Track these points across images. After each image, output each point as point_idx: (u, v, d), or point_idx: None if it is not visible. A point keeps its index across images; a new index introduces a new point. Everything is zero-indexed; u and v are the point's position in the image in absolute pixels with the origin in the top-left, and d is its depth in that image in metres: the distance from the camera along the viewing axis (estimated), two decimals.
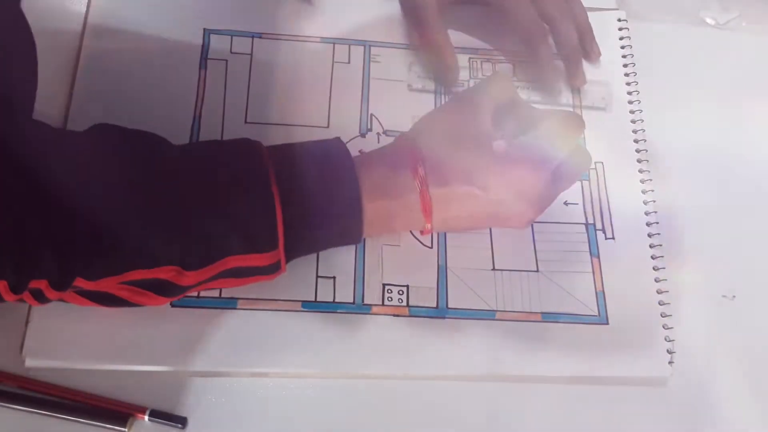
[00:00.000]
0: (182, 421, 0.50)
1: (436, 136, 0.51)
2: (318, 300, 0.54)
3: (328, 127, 0.60)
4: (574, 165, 0.53)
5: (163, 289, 0.47)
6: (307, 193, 0.48)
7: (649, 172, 0.60)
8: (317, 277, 0.55)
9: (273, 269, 0.49)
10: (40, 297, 0.44)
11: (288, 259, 0.49)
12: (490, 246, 0.57)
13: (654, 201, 0.59)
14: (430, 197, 0.50)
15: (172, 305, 0.53)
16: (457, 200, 0.50)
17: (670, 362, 0.54)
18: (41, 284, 0.43)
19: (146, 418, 0.50)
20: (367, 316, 0.54)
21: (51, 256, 0.42)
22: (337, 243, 0.52)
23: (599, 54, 0.64)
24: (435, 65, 0.63)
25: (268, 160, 0.48)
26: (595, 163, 0.61)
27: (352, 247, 0.56)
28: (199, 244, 0.46)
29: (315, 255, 0.55)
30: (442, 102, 0.62)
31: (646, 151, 0.61)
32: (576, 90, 0.64)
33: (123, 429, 0.49)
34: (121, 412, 0.50)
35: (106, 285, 0.45)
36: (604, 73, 0.65)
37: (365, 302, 0.54)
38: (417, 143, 0.50)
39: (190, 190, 0.46)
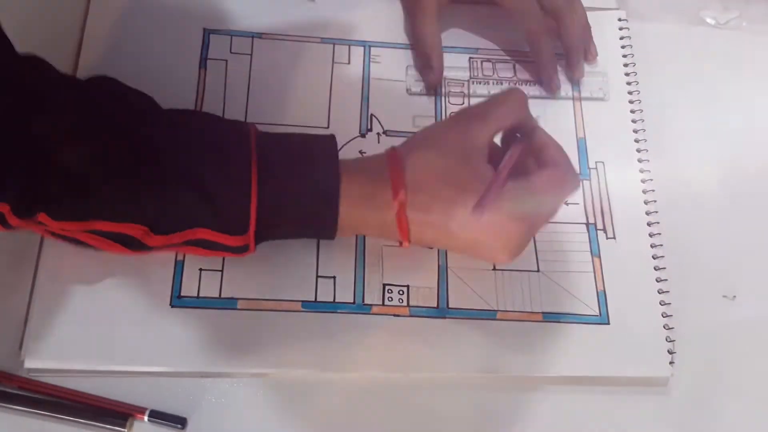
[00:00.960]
0: (182, 422, 0.50)
1: (426, 158, 0.49)
2: (318, 300, 0.54)
3: (328, 127, 0.60)
4: (560, 202, 0.51)
5: (129, 244, 0.47)
6: (285, 187, 0.48)
7: (649, 172, 0.60)
8: (317, 277, 0.55)
9: (241, 250, 0.49)
10: (3, 221, 0.44)
11: (257, 243, 0.49)
12: None
13: (655, 201, 0.59)
14: (407, 220, 0.48)
15: (172, 305, 0.53)
16: (434, 229, 0.49)
17: (671, 362, 0.54)
18: (4, 208, 0.43)
19: (146, 418, 0.50)
20: (368, 316, 0.54)
21: (14, 183, 0.43)
22: (309, 236, 0.53)
23: (596, 54, 0.64)
24: (420, 64, 0.62)
25: (255, 145, 0.48)
26: (596, 162, 0.61)
27: (353, 247, 0.56)
28: (171, 210, 0.46)
29: (315, 255, 0.55)
30: (443, 100, 0.62)
31: (647, 151, 0.61)
32: (576, 83, 0.64)
33: (122, 429, 0.49)
34: (121, 413, 0.50)
35: (71, 229, 0.46)
36: (605, 72, 0.64)
37: (365, 302, 0.54)
38: (405, 163, 0.49)
39: (171, 156, 0.47)
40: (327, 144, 0.50)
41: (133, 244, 0.47)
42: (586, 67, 0.64)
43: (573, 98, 0.63)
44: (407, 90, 0.63)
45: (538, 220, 0.50)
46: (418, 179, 0.48)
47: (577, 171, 0.56)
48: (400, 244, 0.50)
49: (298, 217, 0.49)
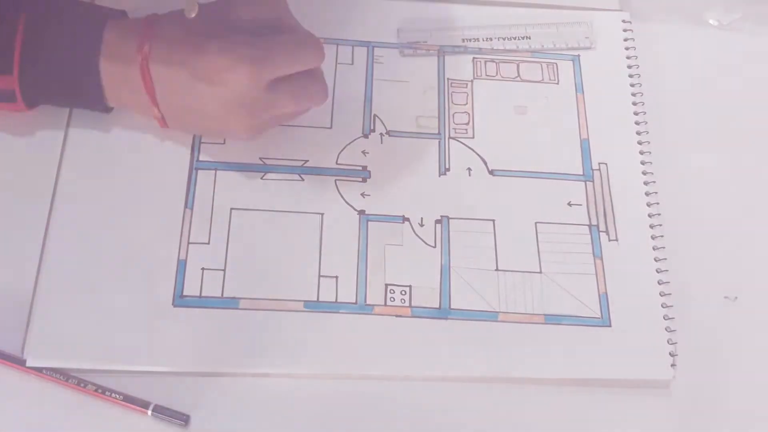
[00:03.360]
0: (185, 419, 0.50)
1: (182, 20, 0.50)
2: (320, 300, 0.54)
3: (331, 127, 0.60)
4: (301, 87, 0.53)
5: None
6: (50, 35, 0.50)
7: (652, 174, 0.60)
8: (320, 276, 0.55)
9: (8, 97, 0.51)
10: None
11: (24, 93, 0.51)
12: (493, 246, 0.57)
13: (657, 203, 0.59)
14: (150, 74, 0.50)
15: (175, 305, 0.53)
16: (180, 85, 0.50)
17: (673, 365, 0.54)
18: None
19: (149, 413, 0.50)
20: (370, 316, 0.54)
21: None
22: (80, 99, 0.55)
23: None
24: None
25: None
26: (599, 164, 0.61)
27: (355, 247, 0.56)
28: None
29: (318, 255, 0.55)
30: (446, 100, 0.62)
31: (650, 152, 0.61)
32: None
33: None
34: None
35: None
36: (609, 73, 0.65)
37: (368, 302, 0.54)
38: (161, 20, 0.52)
39: None
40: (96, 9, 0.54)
41: None
42: (570, 19, 0.66)
43: (561, 50, 0.65)
44: (401, 52, 0.63)
45: (284, 84, 0.51)
46: (167, 34, 0.51)
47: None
48: (159, 123, 0.54)
49: (62, 65, 0.51)
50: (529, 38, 0.65)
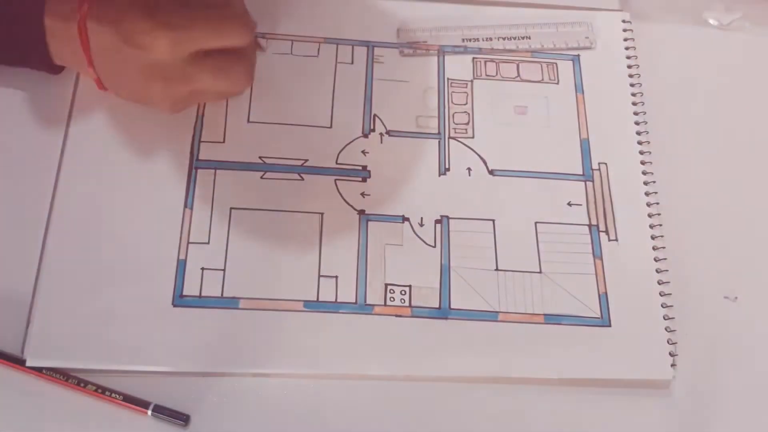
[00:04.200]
0: (185, 419, 0.50)
1: None
2: (320, 300, 0.54)
3: (331, 127, 0.60)
4: (224, 65, 0.53)
5: None
6: None
7: (652, 174, 0.60)
8: (319, 276, 0.55)
9: None
10: None
11: None
12: (493, 246, 0.57)
13: (657, 203, 0.59)
14: (86, 32, 0.50)
15: (174, 305, 0.53)
16: (110, 45, 0.50)
17: (673, 365, 0.54)
18: None
19: (149, 413, 0.50)
20: (370, 316, 0.54)
21: None
22: (27, 57, 0.54)
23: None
24: None
25: None
26: (599, 164, 0.61)
27: (355, 246, 0.56)
28: None
29: (318, 255, 0.55)
30: (446, 100, 0.62)
31: (650, 153, 0.61)
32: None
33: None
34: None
35: None
36: (609, 73, 0.65)
37: (367, 302, 0.54)
38: None
39: None
40: None
41: None
42: (570, 19, 0.66)
43: (561, 49, 0.65)
44: (401, 52, 0.63)
45: (209, 60, 0.51)
46: None
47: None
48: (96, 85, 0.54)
49: (7, 21, 0.51)
50: (529, 38, 0.65)
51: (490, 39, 0.65)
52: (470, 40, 0.65)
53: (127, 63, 0.51)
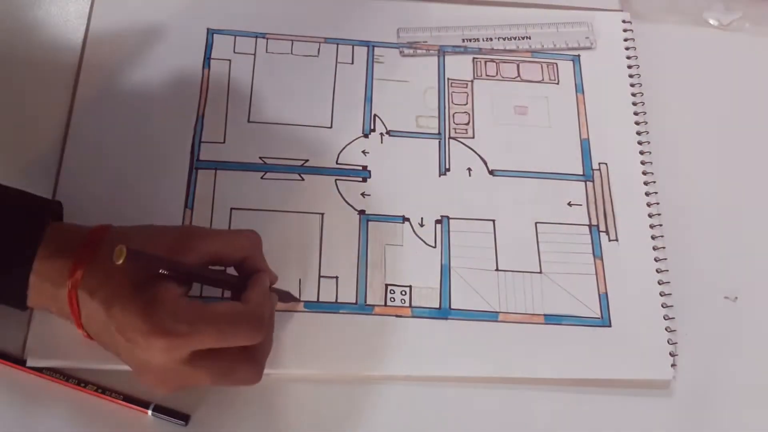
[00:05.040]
0: (185, 418, 0.50)
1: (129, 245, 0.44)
2: (320, 300, 0.54)
3: (331, 127, 0.60)
4: (227, 367, 0.46)
5: None
6: None
7: (652, 174, 0.60)
8: (320, 277, 0.55)
9: None
10: None
11: None
12: (494, 246, 0.57)
13: (658, 203, 0.59)
14: (77, 300, 0.45)
15: None
16: (101, 323, 0.45)
17: (673, 365, 0.54)
18: None
19: (149, 413, 0.50)
20: (370, 316, 0.54)
21: None
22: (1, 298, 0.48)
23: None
24: None
25: None
26: (599, 164, 0.61)
27: (355, 247, 0.56)
28: None
29: (318, 255, 0.55)
30: (446, 100, 0.62)
31: (650, 153, 0.61)
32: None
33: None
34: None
35: None
36: (609, 73, 0.65)
37: (368, 303, 0.54)
38: (109, 239, 0.46)
39: None
40: (42, 202, 0.49)
41: None
42: (570, 19, 0.66)
43: (562, 50, 0.65)
44: (401, 52, 0.63)
45: (210, 360, 0.45)
46: (105, 266, 0.45)
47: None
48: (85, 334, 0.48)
49: None
50: (529, 38, 0.65)
51: (490, 39, 0.65)
52: (470, 40, 0.65)
53: (118, 346, 0.46)
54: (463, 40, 0.65)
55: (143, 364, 0.46)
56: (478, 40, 0.65)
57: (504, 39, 0.65)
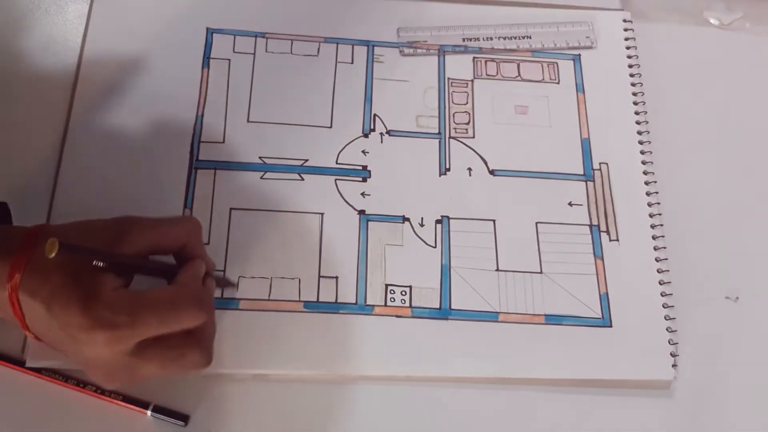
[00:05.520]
0: (184, 419, 0.50)
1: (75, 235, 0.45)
2: (320, 300, 0.54)
3: (331, 127, 0.60)
4: (175, 353, 0.46)
5: None
6: None
7: (653, 174, 0.60)
8: (320, 277, 0.55)
9: None
10: None
11: None
12: (494, 246, 0.57)
13: (658, 203, 0.59)
14: (18, 302, 0.44)
15: None
16: (45, 324, 0.45)
17: (674, 365, 0.54)
18: None
19: (149, 413, 0.50)
20: (370, 317, 0.54)
21: None
22: None
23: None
24: None
25: None
26: (600, 164, 0.60)
27: (355, 247, 0.56)
28: None
29: (318, 255, 0.55)
30: (446, 100, 0.62)
31: (651, 152, 0.61)
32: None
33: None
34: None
35: None
36: (609, 73, 0.64)
37: (368, 303, 0.54)
38: (38, 246, 0.44)
39: None
40: None
41: None
42: (571, 18, 0.66)
43: (562, 49, 0.65)
44: (401, 51, 0.63)
45: (136, 338, 0.44)
46: (43, 265, 0.44)
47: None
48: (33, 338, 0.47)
49: None
50: (530, 38, 0.65)
51: (491, 39, 0.65)
52: (471, 39, 0.65)
53: (64, 344, 0.45)
54: (464, 39, 0.65)
55: (90, 361, 0.45)
56: (478, 39, 0.65)
57: (504, 38, 0.65)
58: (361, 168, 0.59)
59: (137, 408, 0.50)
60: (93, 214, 0.54)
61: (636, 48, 0.65)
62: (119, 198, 0.56)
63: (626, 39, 0.66)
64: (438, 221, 0.57)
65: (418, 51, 0.64)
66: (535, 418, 0.52)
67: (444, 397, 0.52)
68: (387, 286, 0.55)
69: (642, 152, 0.61)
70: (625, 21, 0.67)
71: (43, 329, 0.46)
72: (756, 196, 0.61)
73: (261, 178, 0.58)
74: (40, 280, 0.44)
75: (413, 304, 0.54)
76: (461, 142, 0.61)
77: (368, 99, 0.61)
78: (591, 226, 0.58)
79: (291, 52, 0.63)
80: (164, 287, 0.47)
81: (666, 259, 0.57)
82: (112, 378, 0.47)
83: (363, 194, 0.58)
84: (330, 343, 0.53)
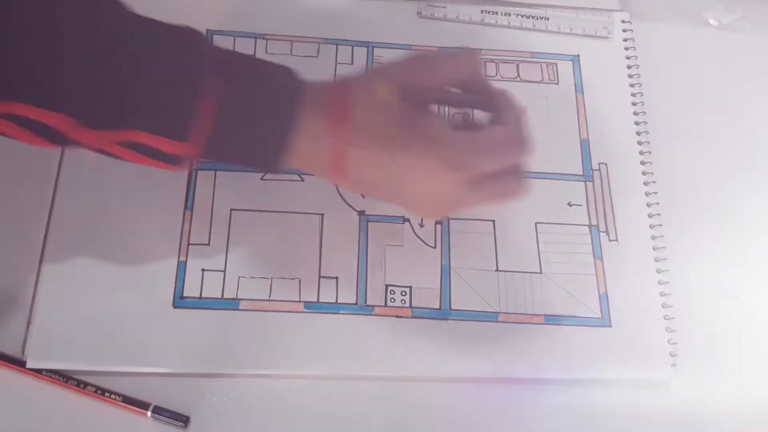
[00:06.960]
0: (185, 420, 0.50)
1: (375, 93, 0.47)
2: (320, 301, 0.54)
3: None
4: (502, 185, 0.50)
5: (52, 138, 0.44)
6: (243, 111, 0.45)
7: (652, 174, 0.60)
8: (320, 277, 0.55)
9: (175, 160, 0.46)
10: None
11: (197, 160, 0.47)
12: (494, 246, 0.57)
13: (657, 203, 0.59)
14: (345, 156, 0.47)
15: (175, 306, 0.53)
16: (371, 172, 0.47)
17: (673, 365, 0.54)
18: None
19: (149, 414, 0.50)
20: (370, 317, 0.54)
21: None
22: (258, 165, 0.48)
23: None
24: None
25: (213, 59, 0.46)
26: (599, 164, 0.61)
27: (356, 247, 0.56)
28: (109, 106, 0.43)
29: (318, 255, 0.55)
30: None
31: (650, 153, 0.61)
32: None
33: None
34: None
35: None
36: (609, 73, 0.65)
37: (368, 303, 0.54)
38: (357, 92, 0.47)
39: (127, 57, 0.44)
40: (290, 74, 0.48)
41: (56, 139, 0.43)
42: (592, 5, 0.66)
43: (578, 35, 0.66)
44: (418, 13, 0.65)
45: (475, 174, 0.48)
46: (364, 116, 0.47)
47: (528, 144, 0.51)
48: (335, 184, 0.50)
49: (251, 139, 0.46)
50: (548, 19, 0.66)
51: (509, 15, 0.65)
52: (489, 13, 0.66)
53: (392, 187, 0.48)
54: (482, 12, 0.65)
55: (426, 198, 0.49)
56: (497, 13, 0.65)
57: (522, 17, 0.66)
58: None
59: (137, 409, 0.50)
60: (94, 215, 0.55)
61: (635, 48, 0.66)
62: (120, 198, 0.56)
63: (625, 39, 0.66)
64: (438, 222, 0.57)
65: (436, 14, 0.64)
66: (534, 417, 0.52)
67: (443, 397, 0.52)
68: (387, 286, 0.55)
69: (641, 152, 0.61)
70: (624, 21, 0.67)
71: (372, 179, 0.48)
72: (755, 196, 0.61)
73: (261, 179, 0.58)
74: (368, 130, 0.47)
75: (413, 305, 0.55)
76: None
77: None
78: (590, 226, 0.58)
79: (291, 53, 0.63)
80: (495, 128, 0.49)
81: (665, 259, 0.57)
82: (443, 210, 0.53)
83: (363, 195, 0.58)
84: (330, 343, 0.53)
